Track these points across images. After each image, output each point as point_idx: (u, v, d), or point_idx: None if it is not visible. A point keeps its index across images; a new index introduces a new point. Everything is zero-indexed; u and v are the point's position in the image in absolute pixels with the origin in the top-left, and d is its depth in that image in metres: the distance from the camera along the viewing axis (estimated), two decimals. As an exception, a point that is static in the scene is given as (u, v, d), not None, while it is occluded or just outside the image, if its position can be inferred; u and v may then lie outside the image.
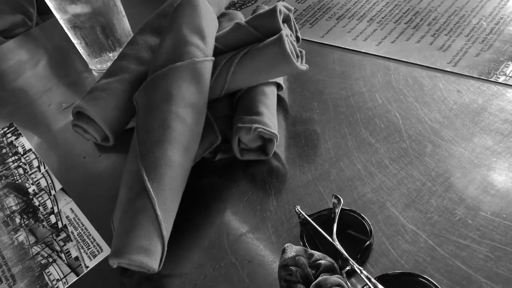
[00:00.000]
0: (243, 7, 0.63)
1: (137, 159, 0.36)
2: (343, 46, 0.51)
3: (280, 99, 0.46)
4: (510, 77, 0.41)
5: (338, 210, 0.34)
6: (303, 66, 0.42)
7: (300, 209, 0.35)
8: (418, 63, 0.45)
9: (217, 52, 0.44)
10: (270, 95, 0.43)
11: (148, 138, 0.37)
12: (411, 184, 0.35)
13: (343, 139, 0.41)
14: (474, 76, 0.42)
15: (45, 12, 1.00)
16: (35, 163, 0.49)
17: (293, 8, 0.45)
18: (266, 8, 0.54)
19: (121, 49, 0.58)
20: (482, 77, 0.42)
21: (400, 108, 0.42)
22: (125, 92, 0.42)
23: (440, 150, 0.37)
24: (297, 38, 0.45)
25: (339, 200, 0.34)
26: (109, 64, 0.59)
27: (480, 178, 0.34)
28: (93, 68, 0.61)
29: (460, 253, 0.30)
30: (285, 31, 0.41)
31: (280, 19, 0.42)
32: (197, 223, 0.38)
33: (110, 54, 0.59)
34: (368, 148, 0.39)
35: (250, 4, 0.63)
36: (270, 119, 0.40)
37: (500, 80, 0.41)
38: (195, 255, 0.35)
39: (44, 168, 0.48)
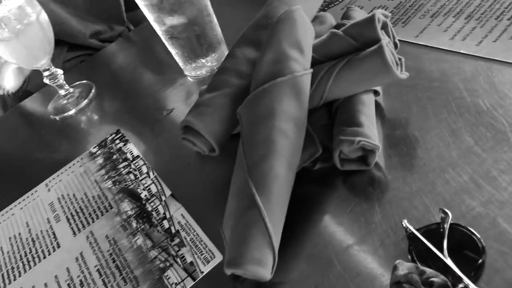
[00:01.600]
0: (330, 6, 0.63)
1: (244, 172, 0.38)
2: (439, 47, 0.49)
3: (377, 105, 0.46)
4: None
5: (447, 225, 0.34)
6: (403, 74, 0.41)
7: (407, 223, 0.35)
8: (524, 64, 0.43)
9: (314, 62, 0.44)
10: (369, 103, 0.43)
11: (254, 152, 0.39)
12: (521, 198, 0.34)
13: (446, 148, 0.40)
14: None
15: (131, 9, 1.05)
16: (144, 169, 0.53)
17: (390, 14, 0.44)
18: (356, 9, 0.54)
19: (214, 54, 0.61)
20: None
21: (507, 115, 0.40)
22: (228, 106, 0.44)
23: (555, 162, 0.36)
24: (395, 45, 0.45)
25: (447, 214, 0.34)
26: (203, 70, 0.62)
27: None
28: (188, 74, 0.64)
29: None
30: (385, 40, 0.41)
31: (379, 27, 0.42)
32: (302, 232, 0.39)
33: (203, 60, 0.62)
34: (474, 158, 0.38)
35: (337, 2, 0.63)
36: (371, 129, 0.41)
37: None
38: (303, 265, 0.37)
39: (153, 174, 0.52)
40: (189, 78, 0.64)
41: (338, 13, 0.60)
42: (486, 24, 0.49)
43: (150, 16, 0.57)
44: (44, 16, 0.63)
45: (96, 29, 1.03)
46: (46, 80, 0.67)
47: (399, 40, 0.52)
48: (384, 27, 0.44)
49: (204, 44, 0.60)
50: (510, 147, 0.38)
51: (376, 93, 0.46)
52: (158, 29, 0.58)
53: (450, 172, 0.38)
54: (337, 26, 0.53)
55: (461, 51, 0.48)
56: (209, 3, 0.59)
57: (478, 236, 0.33)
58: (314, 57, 0.45)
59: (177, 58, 0.62)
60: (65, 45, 1.03)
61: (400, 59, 0.43)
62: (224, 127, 0.44)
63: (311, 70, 0.43)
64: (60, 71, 0.68)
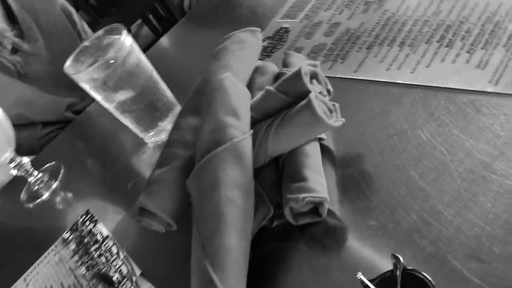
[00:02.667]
0: (273, 50, 0.64)
1: (200, 249, 0.39)
2: (378, 79, 0.50)
3: (325, 150, 0.47)
4: (559, 88, 0.39)
5: (399, 272, 0.34)
6: (338, 122, 0.42)
7: (361, 276, 0.35)
8: (458, 87, 0.44)
9: (254, 122, 0.45)
10: (312, 154, 0.44)
11: (205, 226, 0.39)
12: (469, 231, 0.35)
13: (393, 185, 0.41)
14: (519, 93, 0.41)
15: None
16: (114, 249, 0.53)
17: (318, 63, 0.45)
18: (294, 54, 0.55)
19: (169, 117, 0.62)
20: (529, 93, 0.40)
21: (446, 143, 0.41)
22: (179, 180, 0.45)
23: (493, 186, 0.36)
24: (328, 92, 0.45)
25: (398, 260, 0.35)
26: (162, 135, 0.63)
27: (541, 215, 0.33)
28: (148, 141, 0.65)
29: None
30: (314, 92, 0.42)
31: (307, 80, 0.43)
32: (266, 297, 0.39)
33: (161, 124, 0.62)
34: (419, 194, 0.39)
35: (280, 46, 0.64)
36: (317, 181, 0.41)
37: (548, 94, 0.39)
38: (271, 331, 0.37)
39: (123, 254, 0.52)
40: (149, 145, 0.65)
41: (282, 57, 0.61)
42: (418, 49, 0.50)
43: (97, 97, 0.58)
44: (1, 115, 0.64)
45: (69, 102, 1.05)
46: (13, 172, 0.68)
47: (340, 77, 0.54)
48: (314, 76, 0.45)
49: (157, 111, 0.61)
50: (452, 177, 0.38)
51: (321, 139, 0.47)
52: (109, 107, 0.59)
53: (399, 211, 0.39)
54: (278, 75, 0.54)
55: (398, 81, 0.49)
56: (154, 72, 0.60)
57: (430, 279, 0.33)
58: (253, 116, 0.45)
59: (134, 129, 0.63)
60: (39, 123, 1.05)
61: (334, 105, 0.43)
62: (177, 202, 0.45)
63: (251, 131, 0.43)
64: (26, 159, 0.69)
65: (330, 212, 0.42)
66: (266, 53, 0.65)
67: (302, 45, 0.62)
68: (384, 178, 0.42)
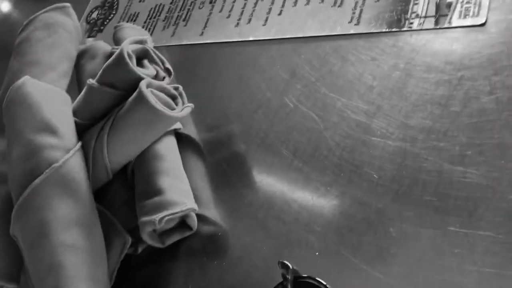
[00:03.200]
0: (105, 22, 0.53)
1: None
2: (228, 40, 0.42)
3: (182, 140, 0.38)
4: (424, 17, 0.33)
5: (290, 284, 0.28)
6: (186, 109, 0.33)
7: None
8: (318, 34, 0.37)
9: (82, 129, 0.35)
10: (166, 154, 0.35)
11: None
12: (359, 213, 0.29)
13: (269, 171, 0.34)
14: (384, 30, 0.34)
15: None
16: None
17: (145, 38, 0.35)
18: (126, 26, 0.44)
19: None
20: (394, 29, 0.34)
21: (316, 107, 0.34)
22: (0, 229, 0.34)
23: (377, 152, 0.30)
24: (167, 71, 0.36)
25: (287, 268, 0.28)
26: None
27: (433, 177, 0.28)
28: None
29: None
30: (146, 79, 0.32)
31: (133, 64, 0.33)
32: None
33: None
34: (298, 176, 0.32)
35: (112, 16, 0.53)
36: (177, 190, 0.33)
37: (414, 26, 0.33)
38: None
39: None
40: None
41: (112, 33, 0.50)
42: (267, -6, 0.42)
43: None
44: None
45: None
46: None
47: (185, 44, 0.44)
48: (145, 55, 0.35)
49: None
50: (329, 150, 0.32)
51: (176, 129, 0.38)
52: None
53: (279, 203, 0.32)
54: (111, 56, 0.43)
55: (250, 38, 0.41)
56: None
57: (325, 284, 0.27)
58: (80, 123, 0.35)
59: None
60: None
61: (177, 89, 0.34)
62: (7, 257, 0.34)
63: (78, 145, 0.33)
64: None
65: (203, 218, 0.34)
66: (97, 27, 0.53)
67: (137, 10, 0.51)
68: (255, 164, 0.34)
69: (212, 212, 0.34)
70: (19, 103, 0.33)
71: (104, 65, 0.34)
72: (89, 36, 0.52)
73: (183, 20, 0.46)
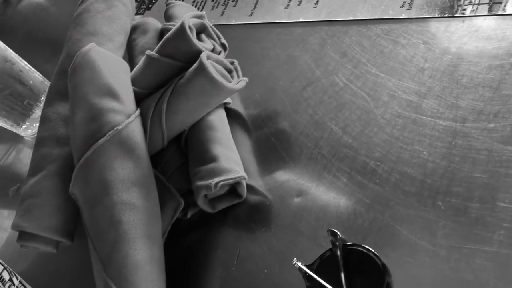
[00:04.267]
0: (153, 1, 0.54)
1: (102, 270, 0.31)
2: (277, 21, 0.43)
3: (231, 115, 0.40)
4: (477, 4, 0.34)
5: (339, 250, 0.29)
6: (241, 82, 0.35)
7: (298, 263, 0.30)
8: (368, 18, 0.38)
9: (140, 97, 0.37)
10: (219, 124, 0.36)
11: (103, 242, 0.32)
12: (409, 187, 0.30)
13: (316, 147, 0.35)
14: (436, 16, 0.35)
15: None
16: (6, 275, 0.44)
17: (203, 13, 0.37)
18: (177, 3, 0.46)
19: (42, 101, 0.51)
20: (446, 15, 0.35)
21: (366, 86, 0.35)
22: (58, 188, 0.36)
23: (427, 130, 0.31)
24: (223, 46, 0.38)
25: (336, 235, 0.29)
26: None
27: (482, 155, 0.29)
28: (24, 135, 0.53)
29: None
30: (205, 51, 0.34)
31: (193, 37, 0.34)
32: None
33: (35, 113, 0.51)
34: (347, 152, 0.33)
35: (159, -5, 0.54)
36: (229, 158, 0.34)
37: (467, 13, 0.34)
38: None
39: (17, 280, 0.43)
40: (26, 138, 0.54)
41: (164, 8, 0.52)
42: (317, -22, 0.43)
43: None
44: None
45: None
46: None
47: (234, 23, 0.46)
48: (203, 30, 0.37)
49: (24, 98, 0.49)
50: (380, 127, 0.33)
51: (226, 103, 0.39)
52: (-40, 104, 0.47)
53: (327, 176, 0.33)
54: (163, 32, 0.45)
55: (301, 20, 0.42)
56: (8, 51, 0.48)
57: (373, 251, 0.28)
58: (138, 91, 0.37)
59: (3, 125, 0.51)
60: None
61: (232, 63, 0.36)
62: (63, 214, 0.36)
63: (138, 111, 0.35)
64: None
65: (250, 188, 0.36)
66: (145, 5, 0.54)
67: (184, -12, 0.52)
68: (303, 139, 0.36)
69: (260, 183, 0.36)
70: (85, 68, 0.34)
71: (165, 37, 0.36)
72: (137, 13, 0.54)
73: (232, 1, 0.47)
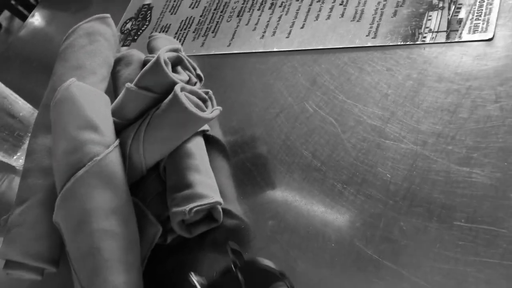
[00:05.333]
0: (138, 33, 0.56)
1: (81, 295, 0.32)
2: (253, 51, 0.45)
3: (209, 141, 0.41)
4: (436, 32, 0.36)
5: (238, 267, 0.30)
6: (215, 111, 0.37)
7: (194, 278, 0.31)
8: (337, 46, 0.40)
9: (120, 128, 0.38)
10: (196, 152, 0.38)
11: (83, 269, 0.33)
12: (373, 208, 0.31)
13: (288, 171, 0.36)
14: (399, 44, 0.37)
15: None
16: (-5, 304, 0.45)
17: (179, 46, 0.39)
18: (159, 36, 0.48)
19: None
20: (408, 42, 0.37)
21: (334, 112, 0.37)
22: (44, 217, 0.37)
23: (390, 154, 0.33)
24: (198, 77, 0.39)
25: (237, 253, 0.30)
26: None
27: (441, 176, 0.30)
28: (15, 165, 0.55)
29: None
30: (180, 83, 0.36)
31: (169, 69, 0.36)
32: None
33: (24, 144, 0.53)
34: (316, 175, 0.35)
35: (145, 27, 0.56)
36: (205, 184, 0.36)
37: (427, 40, 0.36)
38: None
39: (5, 308, 0.44)
40: (18, 168, 0.55)
41: (146, 41, 0.54)
42: (290, 9, 0.45)
43: None
44: None
45: None
46: None
47: (214, 54, 0.48)
48: (179, 62, 0.39)
49: (15, 130, 0.51)
50: (346, 151, 0.35)
51: (204, 130, 0.41)
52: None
53: (297, 200, 0.34)
54: (145, 63, 0.47)
55: (275, 49, 0.44)
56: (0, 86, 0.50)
57: (273, 266, 0.29)
58: (118, 122, 0.38)
59: (-7, 158, 0.53)
60: None
61: (207, 93, 0.38)
62: (48, 241, 0.37)
63: (117, 142, 0.37)
64: None
65: (227, 213, 0.37)
66: (131, 37, 0.57)
67: (169, 22, 0.54)
68: (277, 164, 0.37)
69: (236, 207, 0.37)
70: (65, 102, 0.36)
71: (142, 70, 0.38)
72: (123, 45, 0.56)
73: (212, 32, 0.50)
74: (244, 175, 0.38)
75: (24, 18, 1.99)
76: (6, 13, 2.02)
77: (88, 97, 0.37)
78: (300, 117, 0.38)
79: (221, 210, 0.36)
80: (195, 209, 0.34)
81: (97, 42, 0.44)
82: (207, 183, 0.36)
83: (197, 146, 0.39)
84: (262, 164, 0.38)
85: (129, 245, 0.34)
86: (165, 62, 0.36)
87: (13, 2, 1.94)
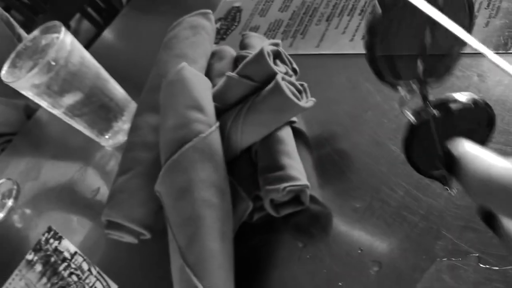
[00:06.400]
0: (228, 32, 0.61)
1: (180, 258, 0.36)
2: (342, 52, 0.48)
3: (298, 133, 0.44)
4: (530, 42, 0.38)
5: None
6: (309, 102, 0.39)
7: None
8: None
9: (219, 112, 0.42)
10: (287, 139, 0.41)
11: (182, 233, 0.36)
12: (460, 201, 0.33)
13: (374, 163, 0.39)
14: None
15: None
16: (85, 266, 0.49)
17: (279, 41, 0.42)
18: (252, 35, 0.51)
19: (125, 116, 0.58)
20: (500, 51, 0.39)
21: (423, 112, 0.39)
22: (144, 186, 0.41)
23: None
24: (294, 70, 0.43)
25: None
26: (120, 136, 0.58)
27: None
28: (106, 145, 0.60)
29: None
30: (280, 74, 0.39)
31: (271, 61, 0.40)
32: (257, 296, 0.37)
33: (117, 125, 0.58)
34: (403, 169, 0.37)
35: (234, 27, 0.61)
36: (295, 168, 0.38)
37: (520, 49, 0.38)
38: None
39: (95, 270, 0.48)
40: (107, 148, 0.60)
41: (237, 38, 0.58)
42: (380, 16, 0.48)
43: (43, 103, 0.53)
44: None
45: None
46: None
47: (302, 54, 0.51)
48: (278, 56, 0.42)
49: (110, 111, 0.56)
50: (434, 147, 0.36)
51: (291, 122, 0.44)
52: (57, 113, 0.54)
53: (384, 189, 0.37)
54: (237, 59, 0.50)
55: (364, 52, 0.46)
56: (101, 69, 0.55)
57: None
58: (218, 107, 0.42)
59: (88, 133, 0.58)
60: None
61: (302, 85, 0.41)
62: (147, 208, 0.41)
63: (217, 124, 0.40)
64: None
65: (312, 198, 0.40)
66: (220, 35, 0.61)
67: (258, 24, 0.58)
68: (363, 156, 0.39)
69: (320, 194, 0.40)
70: (178, 83, 0.40)
71: (244, 61, 0.41)
72: (214, 43, 0.60)
73: (301, 34, 0.53)
74: (328, 165, 0.41)
75: (93, 21, 2.12)
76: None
77: (197, 80, 0.41)
78: (389, 114, 0.40)
79: (308, 194, 0.38)
80: (288, 188, 0.36)
81: (199, 34, 0.49)
82: (297, 167, 0.39)
83: (287, 134, 0.42)
84: (347, 156, 0.40)
85: (225, 216, 0.37)
86: (268, 54, 0.40)
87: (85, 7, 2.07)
